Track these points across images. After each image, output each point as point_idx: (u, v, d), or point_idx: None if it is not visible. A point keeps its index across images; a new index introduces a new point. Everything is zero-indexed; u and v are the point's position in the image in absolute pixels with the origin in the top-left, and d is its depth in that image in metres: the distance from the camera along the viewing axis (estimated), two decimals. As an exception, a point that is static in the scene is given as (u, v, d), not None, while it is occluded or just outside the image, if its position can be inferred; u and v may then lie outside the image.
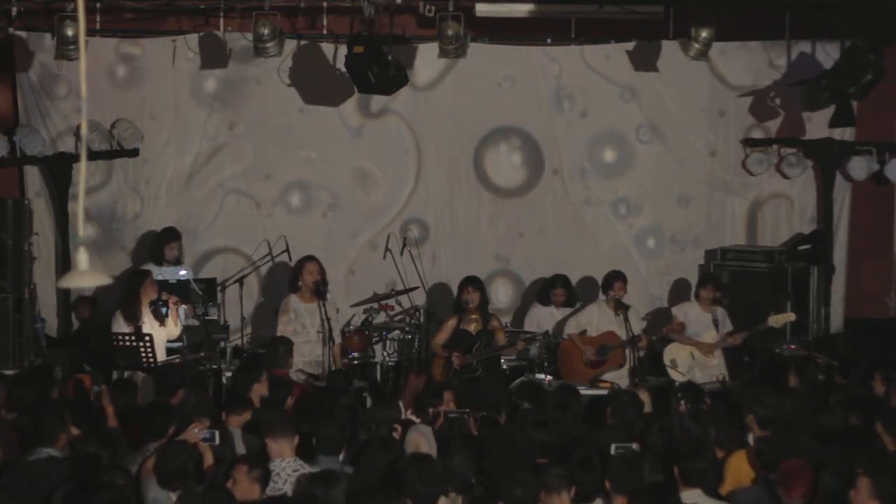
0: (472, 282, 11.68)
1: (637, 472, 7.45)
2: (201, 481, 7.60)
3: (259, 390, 9.37)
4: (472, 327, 11.53)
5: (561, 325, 12.25)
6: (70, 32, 12.34)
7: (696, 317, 11.98)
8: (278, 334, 11.13)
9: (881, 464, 7.53)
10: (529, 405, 9.27)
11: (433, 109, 13.75)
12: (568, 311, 12.48)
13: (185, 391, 9.13)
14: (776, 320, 11.76)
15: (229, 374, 11.28)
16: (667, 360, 11.93)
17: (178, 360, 10.60)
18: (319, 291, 11.31)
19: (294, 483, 7.62)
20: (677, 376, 11.63)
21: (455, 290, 11.97)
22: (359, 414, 8.93)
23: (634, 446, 8.10)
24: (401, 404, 9.64)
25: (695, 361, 11.87)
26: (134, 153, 13.40)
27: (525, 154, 13.89)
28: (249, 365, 10.15)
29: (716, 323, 11.87)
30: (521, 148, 13.88)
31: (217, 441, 7.98)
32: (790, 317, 11.99)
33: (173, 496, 7.34)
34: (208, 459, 7.91)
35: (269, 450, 7.80)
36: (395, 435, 8.46)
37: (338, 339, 11.49)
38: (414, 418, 9.17)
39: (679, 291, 13.65)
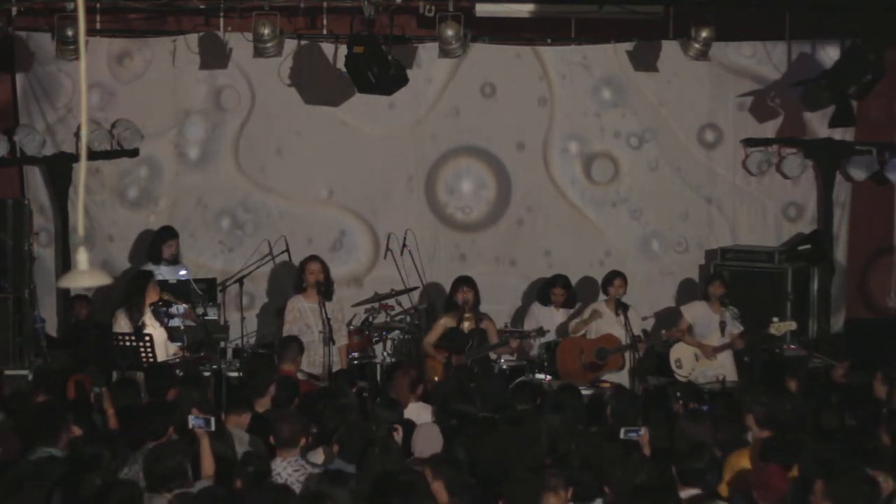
0: (465, 281, 11.71)
1: (636, 471, 7.45)
2: (197, 479, 7.59)
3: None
4: (466, 326, 11.54)
5: (562, 328, 12.25)
6: (70, 32, 12.33)
7: (704, 317, 11.95)
8: (284, 334, 11.16)
9: (881, 464, 7.52)
10: (527, 405, 9.27)
11: (434, 112, 13.76)
12: (568, 311, 12.47)
13: (182, 388, 9.11)
14: (777, 328, 11.72)
15: (231, 374, 11.30)
16: (672, 359, 11.93)
17: (176, 360, 10.62)
18: (322, 291, 11.33)
19: (296, 482, 7.62)
20: (682, 376, 11.63)
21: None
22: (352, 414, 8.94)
23: (643, 431, 8.12)
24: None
25: (699, 362, 11.87)
26: (134, 153, 13.41)
27: (525, 154, 13.89)
28: (264, 366, 10.16)
29: (723, 325, 11.84)
30: (520, 149, 13.88)
31: (212, 428, 7.90)
32: (791, 325, 11.92)
33: (168, 495, 7.32)
34: (205, 449, 7.84)
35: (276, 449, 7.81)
36: (397, 436, 8.44)
37: (344, 341, 11.51)
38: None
39: (685, 291, 13.66)
